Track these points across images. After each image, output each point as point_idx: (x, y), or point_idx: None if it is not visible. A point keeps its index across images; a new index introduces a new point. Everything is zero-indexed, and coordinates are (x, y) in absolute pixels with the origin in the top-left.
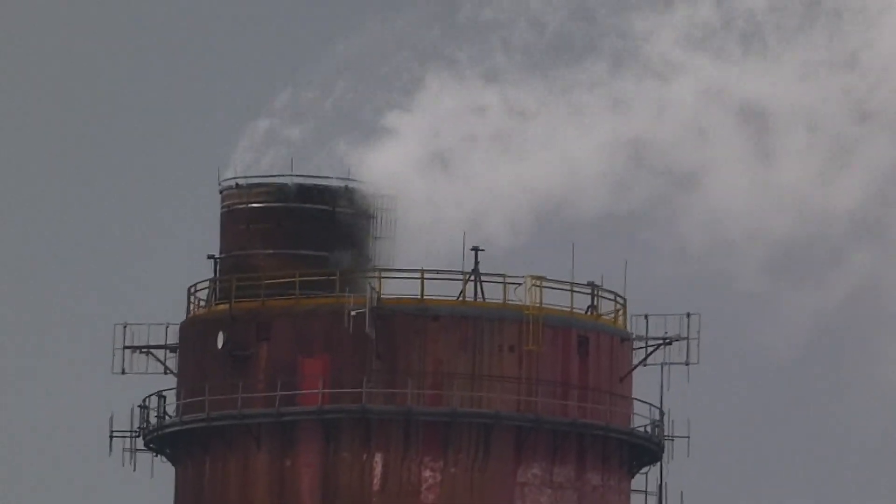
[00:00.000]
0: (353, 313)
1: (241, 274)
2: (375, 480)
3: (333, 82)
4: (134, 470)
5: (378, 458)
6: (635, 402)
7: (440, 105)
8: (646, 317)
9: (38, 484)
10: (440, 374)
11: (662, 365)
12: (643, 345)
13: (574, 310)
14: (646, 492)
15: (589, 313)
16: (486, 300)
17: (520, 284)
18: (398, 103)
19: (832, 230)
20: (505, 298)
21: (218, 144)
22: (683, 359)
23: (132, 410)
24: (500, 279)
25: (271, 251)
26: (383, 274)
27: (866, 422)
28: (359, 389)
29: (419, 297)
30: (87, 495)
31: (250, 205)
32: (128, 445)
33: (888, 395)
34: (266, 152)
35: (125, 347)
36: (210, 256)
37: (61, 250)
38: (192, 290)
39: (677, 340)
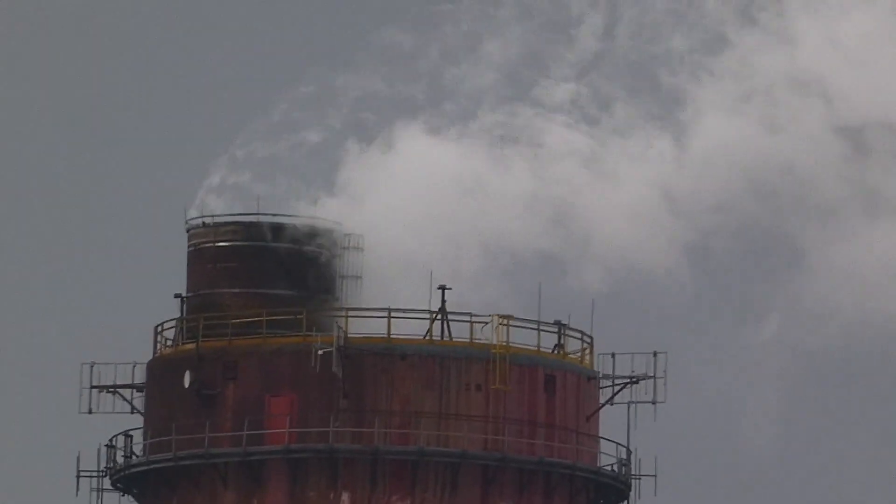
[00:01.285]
0: (320, 352)
1: (208, 313)
2: None
3: (301, 122)
4: None
5: (345, 497)
6: (602, 440)
7: (409, 146)
8: (612, 355)
9: None
10: (407, 412)
11: (629, 404)
12: (610, 383)
13: (541, 348)
14: None
15: (556, 352)
16: (453, 339)
17: (487, 323)
18: (367, 144)
19: None
20: (472, 337)
21: (185, 183)
22: (650, 397)
23: (99, 450)
24: (467, 318)
25: (238, 290)
26: (350, 313)
27: (839, 458)
28: (326, 428)
29: (386, 335)
30: None
31: (217, 244)
32: (95, 485)
33: (858, 430)
34: (233, 191)
35: (92, 387)
36: (177, 295)
37: (28, 290)
38: (159, 329)
39: (644, 379)
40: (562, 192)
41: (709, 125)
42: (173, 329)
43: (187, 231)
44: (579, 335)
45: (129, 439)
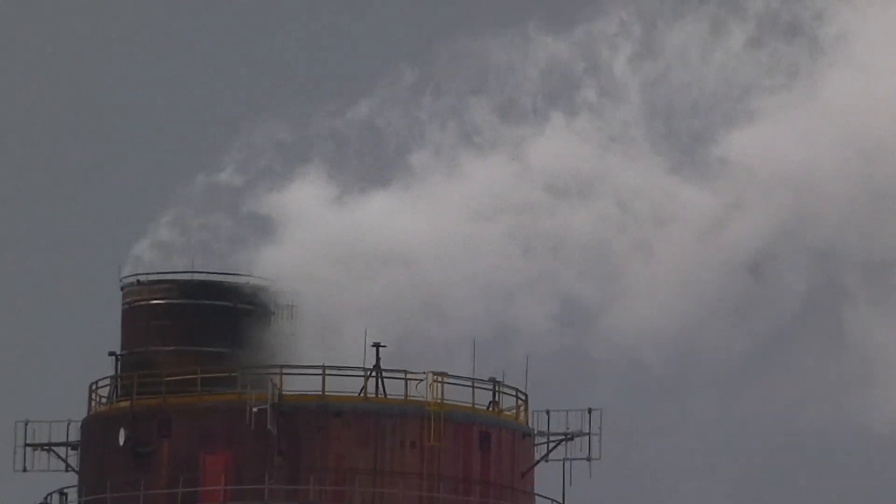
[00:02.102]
0: (254, 409)
1: (143, 370)
2: None
3: (237, 181)
4: None
5: None
6: (537, 497)
7: (351, 198)
8: (547, 412)
9: None
10: (342, 469)
11: (564, 460)
12: (545, 440)
13: (476, 405)
14: None
15: (490, 409)
16: (388, 396)
17: (421, 380)
18: (299, 201)
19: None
20: (406, 394)
21: (120, 241)
22: (585, 454)
23: None
24: (402, 375)
25: (172, 348)
26: (285, 370)
27: None
28: (261, 486)
29: (321, 393)
30: None
31: (151, 301)
32: None
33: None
34: (168, 249)
35: (26, 445)
36: (111, 353)
37: None
38: (94, 386)
39: (579, 436)
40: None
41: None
42: (108, 387)
43: (122, 289)
44: (514, 392)
45: (63, 497)
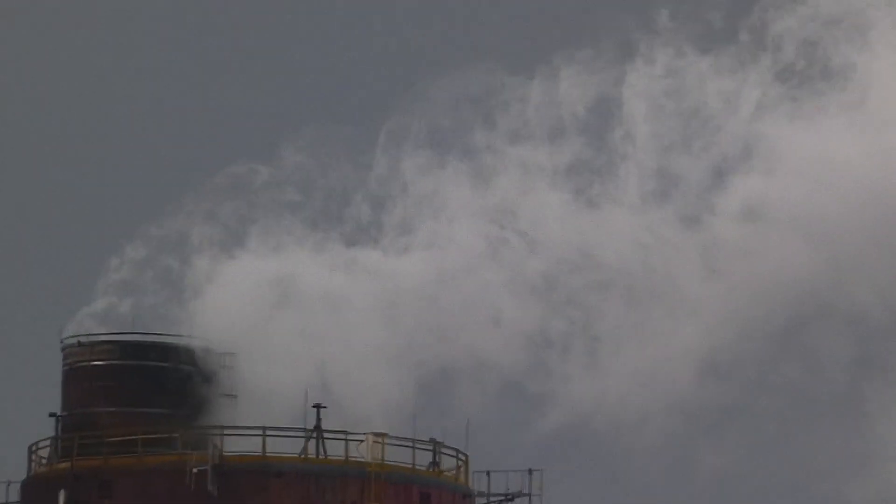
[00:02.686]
0: (195, 470)
1: (84, 432)
2: None
3: (178, 243)
4: None
5: None
6: None
7: (288, 258)
8: (488, 473)
9: None
10: None
11: None
12: (485, 501)
13: (416, 466)
14: None
15: (431, 470)
16: (329, 457)
17: (362, 441)
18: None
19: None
20: (347, 455)
21: (60, 302)
22: None
23: None
24: (342, 436)
25: (113, 409)
26: (225, 431)
27: None
28: None
29: (261, 453)
30: None
31: (92, 362)
32: None
33: None
34: (108, 310)
35: None
36: (52, 414)
37: None
38: (34, 447)
39: (519, 496)
40: (440, 309)
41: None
42: (48, 448)
43: (62, 350)
44: (454, 453)
45: None
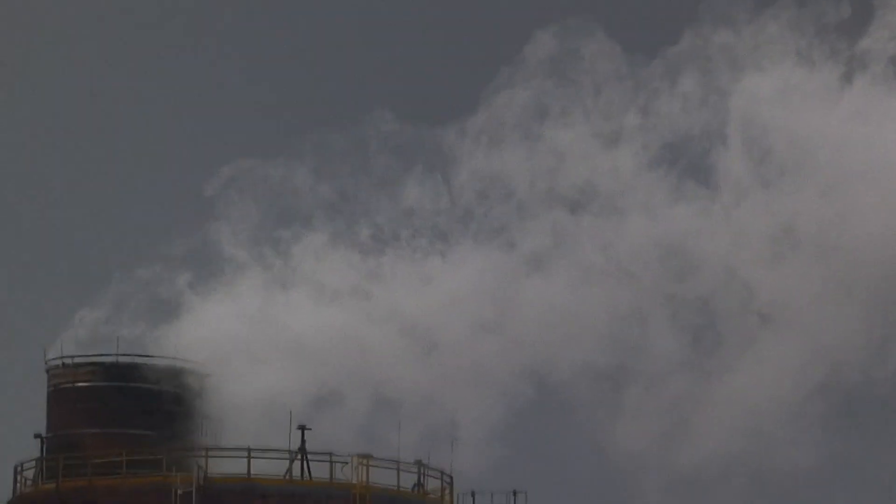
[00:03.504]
0: (180, 492)
1: (69, 453)
2: None
3: (157, 263)
4: None
5: None
6: None
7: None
8: (472, 494)
9: None
10: None
11: None
12: None
13: (401, 488)
14: None
15: (416, 491)
16: (313, 478)
17: (346, 463)
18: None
19: None
20: (332, 476)
21: (45, 323)
22: None
23: None
24: (327, 457)
25: (98, 430)
26: (210, 452)
27: None
28: None
29: (246, 475)
30: None
31: (77, 384)
32: None
33: None
34: (93, 331)
35: None
36: (37, 436)
37: None
38: (19, 468)
39: None
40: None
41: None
42: (33, 469)
43: (47, 371)
44: (439, 474)
45: None
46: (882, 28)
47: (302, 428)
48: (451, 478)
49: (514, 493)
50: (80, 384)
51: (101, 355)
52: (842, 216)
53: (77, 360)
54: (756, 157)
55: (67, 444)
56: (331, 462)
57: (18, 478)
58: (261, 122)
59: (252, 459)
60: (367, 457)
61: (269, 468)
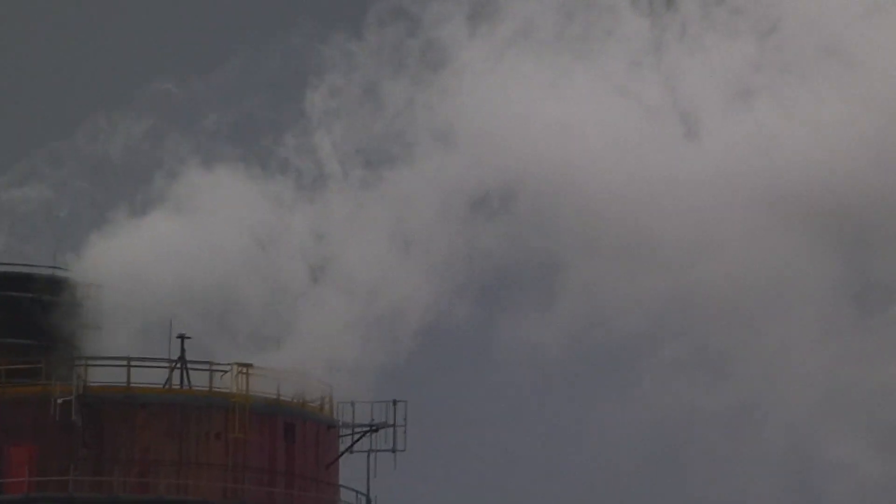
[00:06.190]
0: (59, 401)
1: None
2: None
3: (41, 176)
4: None
5: None
6: (342, 489)
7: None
8: (352, 404)
9: None
10: (147, 461)
11: (369, 452)
12: (350, 432)
13: (281, 397)
14: None
15: (295, 400)
16: (193, 388)
17: (226, 372)
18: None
19: None
20: (211, 386)
21: None
22: (390, 445)
23: None
24: (207, 367)
25: None
26: (90, 362)
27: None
28: (66, 477)
29: (126, 384)
30: None
31: None
32: None
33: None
34: None
35: None
36: None
37: None
38: None
39: (383, 427)
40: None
41: None
42: None
43: None
44: (319, 383)
45: None
46: None
47: (182, 337)
48: (331, 387)
49: (394, 403)
50: None
51: None
52: None
53: None
54: None
55: None
56: (210, 371)
57: None
58: None
59: (132, 369)
60: (247, 366)
61: (149, 377)
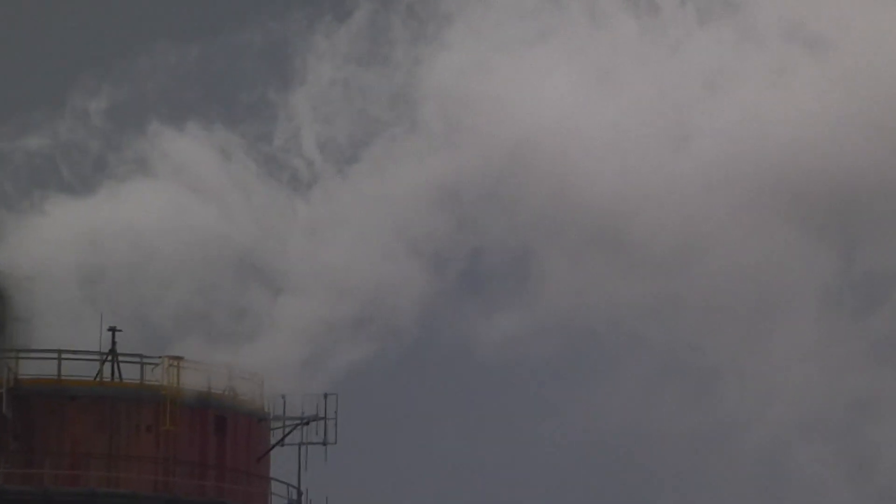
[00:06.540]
0: None
1: None
2: None
3: None
4: None
5: None
6: (273, 481)
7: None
8: (283, 396)
9: None
10: (78, 454)
11: (300, 445)
12: (281, 424)
13: (212, 390)
14: None
15: (226, 393)
16: (124, 380)
17: (157, 364)
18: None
19: None
20: (142, 378)
21: None
22: (321, 438)
23: None
24: (138, 359)
25: None
26: (20, 354)
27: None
28: None
29: (56, 377)
30: None
31: None
32: None
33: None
34: None
35: None
36: None
37: None
38: None
39: (315, 420)
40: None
41: None
42: None
43: None
44: (250, 376)
45: None
46: None
47: (112, 329)
48: (263, 380)
49: (325, 396)
50: None
51: None
52: None
53: None
54: None
55: None
56: (141, 364)
57: None
58: None
59: (63, 361)
60: (178, 359)
61: (80, 370)
